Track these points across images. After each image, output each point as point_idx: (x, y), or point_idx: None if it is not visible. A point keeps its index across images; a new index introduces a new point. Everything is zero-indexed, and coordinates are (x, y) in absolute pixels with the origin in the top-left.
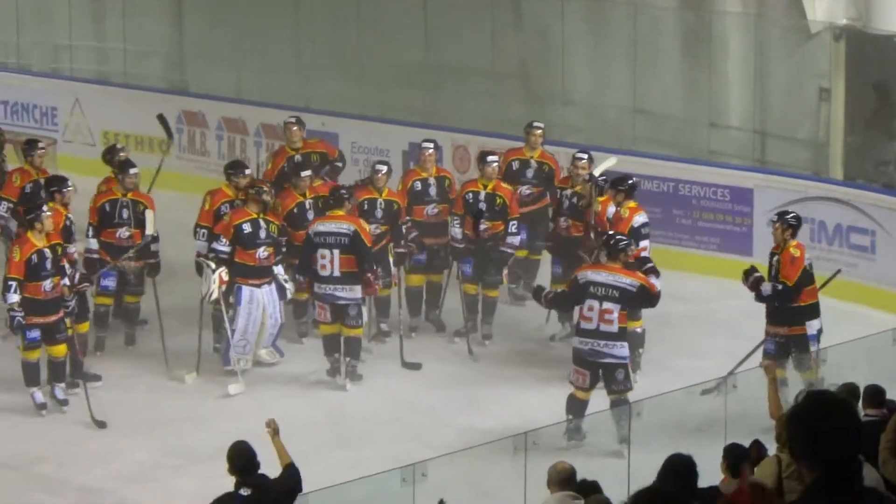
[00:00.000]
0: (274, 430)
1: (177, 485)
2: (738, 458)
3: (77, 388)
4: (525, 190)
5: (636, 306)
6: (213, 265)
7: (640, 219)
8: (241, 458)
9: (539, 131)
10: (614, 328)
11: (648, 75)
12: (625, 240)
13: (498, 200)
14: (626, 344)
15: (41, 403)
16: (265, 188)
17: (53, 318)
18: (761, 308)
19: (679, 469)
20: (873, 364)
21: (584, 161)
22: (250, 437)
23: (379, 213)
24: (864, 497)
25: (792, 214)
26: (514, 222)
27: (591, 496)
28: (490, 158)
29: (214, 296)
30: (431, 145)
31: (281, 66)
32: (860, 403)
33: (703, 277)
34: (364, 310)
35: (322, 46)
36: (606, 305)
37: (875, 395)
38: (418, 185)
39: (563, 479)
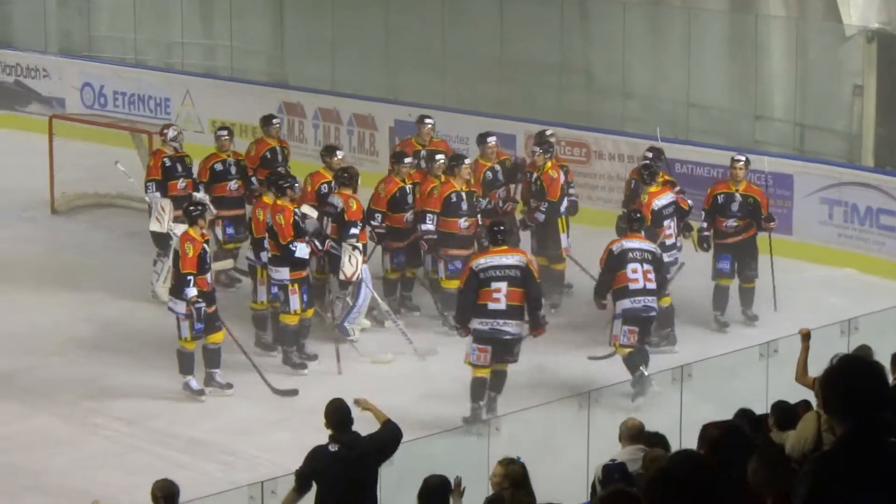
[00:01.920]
0: (364, 406)
1: (276, 437)
2: (784, 413)
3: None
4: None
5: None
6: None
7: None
8: (337, 415)
9: (741, 163)
10: (654, 285)
11: (700, 72)
12: (640, 212)
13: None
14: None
15: (199, 390)
16: (351, 171)
17: (214, 307)
18: (800, 281)
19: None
20: None
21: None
22: (343, 396)
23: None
24: (892, 450)
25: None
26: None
27: (655, 448)
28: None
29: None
30: (493, 139)
31: (371, 61)
32: (889, 367)
33: None
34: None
35: (409, 42)
36: (647, 267)
37: None
38: (489, 175)
39: (633, 435)
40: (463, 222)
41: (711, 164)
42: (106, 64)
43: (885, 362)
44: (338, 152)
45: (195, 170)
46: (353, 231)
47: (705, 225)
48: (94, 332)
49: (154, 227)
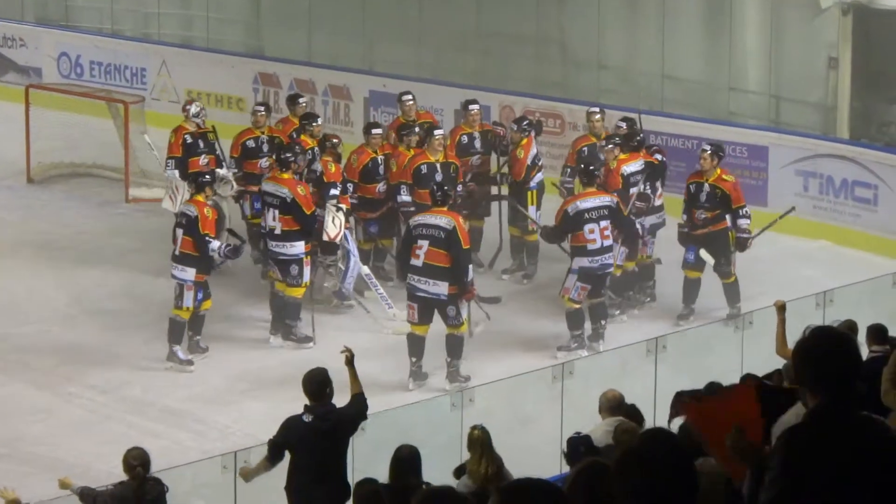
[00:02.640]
0: (348, 359)
1: (249, 407)
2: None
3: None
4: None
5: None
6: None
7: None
8: (315, 384)
9: (706, 153)
10: (611, 241)
11: (675, 44)
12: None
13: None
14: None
15: (187, 360)
16: (336, 140)
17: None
18: (775, 251)
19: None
20: (875, 305)
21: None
22: (314, 365)
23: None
24: (864, 422)
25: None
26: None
27: (626, 421)
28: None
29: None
30: (476, 105)
31: (348, 31)
32: (864, 340)
33: None
34: None
35: (385, 13)
36: (603, 224)
37: (878, 332)
38: (464, 140)
39: (613, 406)
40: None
41: (686, 135)
42: (83, 34)
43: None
44: (318, 119)
45: (225, 148)
46: (333, 192)
47: (684, 218)
48: (68, 300)
49: (166, 204)
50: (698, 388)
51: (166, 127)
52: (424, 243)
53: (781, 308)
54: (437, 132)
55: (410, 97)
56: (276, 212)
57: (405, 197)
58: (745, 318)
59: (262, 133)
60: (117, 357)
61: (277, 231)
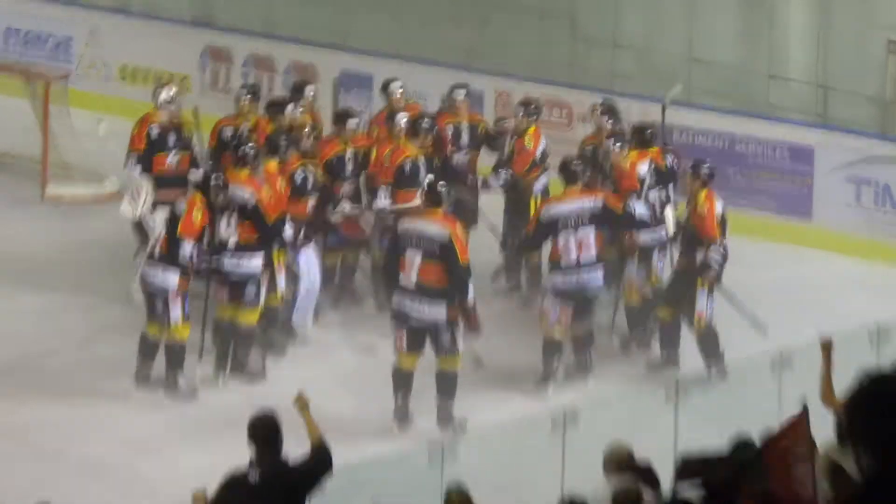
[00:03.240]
0: (303, 404)
1: (185, 458)
2: None
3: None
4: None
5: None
6: None
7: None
8: (263, 430)
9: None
10: (591, 256)
11: (705, 20)
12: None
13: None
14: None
15: (192, 390)
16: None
17: None
18: (821, 277)
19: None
20: None
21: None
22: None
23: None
24: None
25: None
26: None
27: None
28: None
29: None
30: (463, 92)
31: None
32: None
33: (759, 241)
34: None
35: None
36: (581, 234)
37: None
38: (449, 131)
39: (620, 464)
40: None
41: (717, 130)
42: None
43: None
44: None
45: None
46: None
47: None
48: None
49: (124, 208)
50: (722, 441)
51: (94, 109)
52: (416, 256)
53: (827, 346)
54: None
55: (400, 85)
56: (233, 218)
57: (384, 202)
58: (783, 355)
59: (248, 123)
60: (23, 393)
61: (232, 242)
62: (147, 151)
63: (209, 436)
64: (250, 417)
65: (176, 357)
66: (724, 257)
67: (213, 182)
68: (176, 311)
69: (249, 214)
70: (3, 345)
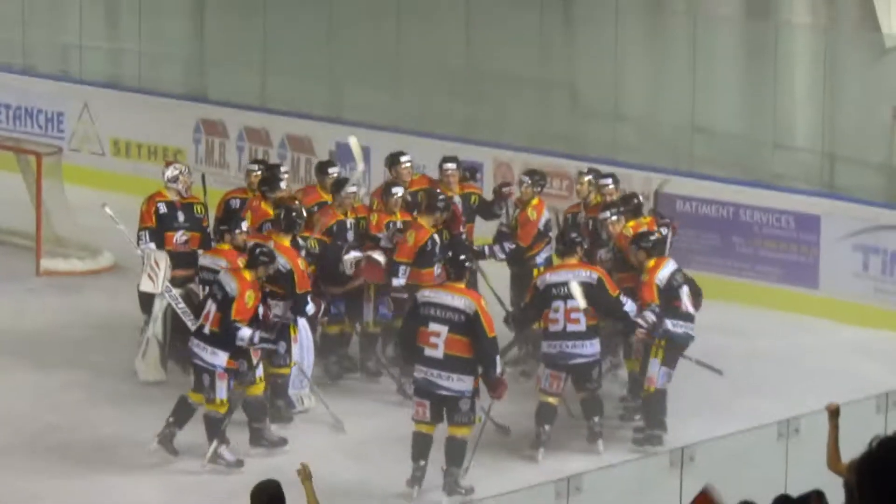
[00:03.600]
0: (306, 475)
1: None
2: None
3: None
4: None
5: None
6: None
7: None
8: (266, 498)
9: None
10: (580, 327)
11: (708, 90)
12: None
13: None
14: (596, 341)
15: (236, 460)
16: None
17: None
18: (827, 345)
19: None
20: None
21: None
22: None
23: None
24: None
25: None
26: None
27: None
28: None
29: None
30: (454, 165)
31: (310, 71)
32: None
33: (765, 311)
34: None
35: (356, 49)
36: (571, 304)
37: None
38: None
39: None
40: (438, 269)
41: (721, 201)
42: None
43: None
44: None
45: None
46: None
47: None
48: None
49: (146, 286)
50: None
51: (88, 185)
52: (442, 329)
53: (834, 413)
54: (395, 189)
55: (408, 160)
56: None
57: (401, 280)
58: (790, 423)
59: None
60: (25, 466)
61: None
62: (158, 228)
63: None
64: (253, 487)
65: (215, 428)
66: (660, 322)
67: (260, 256)
68: (221, 390)
69: (284, 279)
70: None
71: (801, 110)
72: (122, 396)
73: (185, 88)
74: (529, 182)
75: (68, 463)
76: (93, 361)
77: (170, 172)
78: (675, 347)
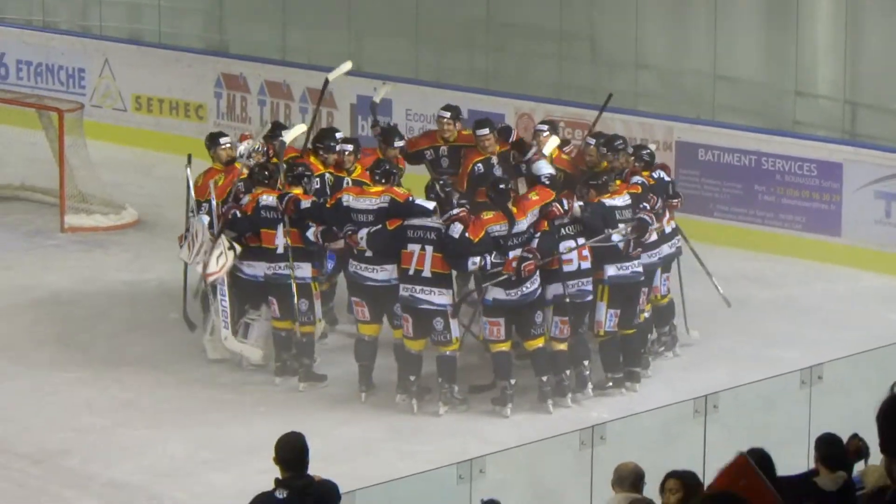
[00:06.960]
0: None
1: (210, 480)
2: (834, 449)
3: None
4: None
5: None
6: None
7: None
8: (290, 452)
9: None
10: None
11: (730, 38)
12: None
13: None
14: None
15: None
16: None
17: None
18: (850, 293)
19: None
20: None
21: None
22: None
23: None
24: None
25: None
26: None
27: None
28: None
29: None
30: (487, 130)
31: (330, 24)
32: None
33: (788, 259)
34: None
35: (375, 3)
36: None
37: None
38: (479, 168)
39: (625, 481)
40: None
41: (743, 149)
42: (7, 27)
43: None
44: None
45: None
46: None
47: None
48: None
49: (182, 254)
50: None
51: (108, 140)
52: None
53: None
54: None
55: (448, 114)
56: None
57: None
58: (813, 370)
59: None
60: (49, 419)
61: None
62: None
63: (236, 459)
64: (278, 439)
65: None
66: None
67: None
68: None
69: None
70: (28, 373)
71: (822, 58)
72: (147, 350)
73: (205, 43)
74: (546, 131)
75: (94, 416)
76: (118, 316)
77: (243, 148)
78: (620, 290)
